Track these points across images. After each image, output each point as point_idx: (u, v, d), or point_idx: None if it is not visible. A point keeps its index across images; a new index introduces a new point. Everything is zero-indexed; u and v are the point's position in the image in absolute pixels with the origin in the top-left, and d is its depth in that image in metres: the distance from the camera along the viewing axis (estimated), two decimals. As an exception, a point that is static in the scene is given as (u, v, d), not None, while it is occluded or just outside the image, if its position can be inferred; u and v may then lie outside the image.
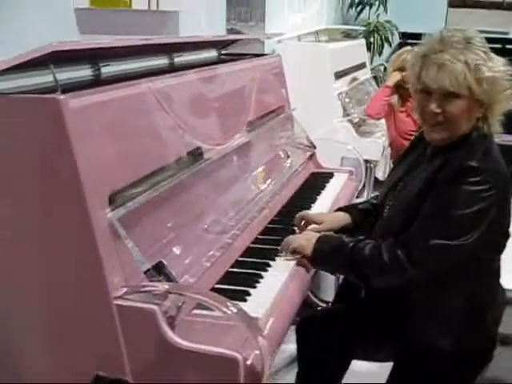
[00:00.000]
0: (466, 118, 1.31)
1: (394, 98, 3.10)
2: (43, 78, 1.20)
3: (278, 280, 1.36)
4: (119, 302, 1.07)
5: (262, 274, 1.39)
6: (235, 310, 1.06)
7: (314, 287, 2.37)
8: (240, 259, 1.47)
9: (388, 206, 1.48)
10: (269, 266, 1.44)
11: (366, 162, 3.47)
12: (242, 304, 1.22)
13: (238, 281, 1.35)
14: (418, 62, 1.32)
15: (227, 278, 1.37)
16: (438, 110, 1.30)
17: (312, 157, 2.35)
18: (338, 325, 1.52)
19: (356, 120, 3.46)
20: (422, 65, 1.31)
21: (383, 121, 3.50)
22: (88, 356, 1.13)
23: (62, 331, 1.14)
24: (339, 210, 1.66)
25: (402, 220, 1.35)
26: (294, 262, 1.46)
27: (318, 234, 1.45)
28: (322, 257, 1.41)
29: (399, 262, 1.27)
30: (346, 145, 2.79)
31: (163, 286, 1.10)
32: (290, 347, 1.75)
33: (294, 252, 1.45)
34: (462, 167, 1.26)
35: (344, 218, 1.60)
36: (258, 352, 1.03)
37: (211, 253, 1.37)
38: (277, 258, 1.49)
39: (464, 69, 1.26)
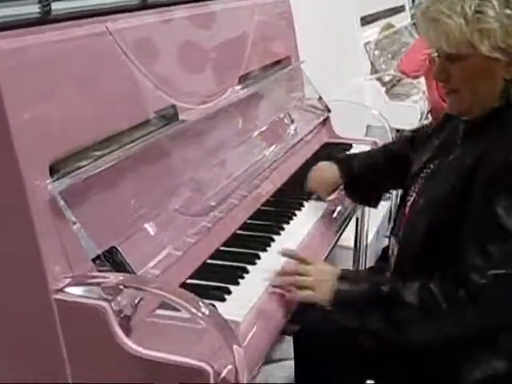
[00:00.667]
0: (485, 84, 1.27)
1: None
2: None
3: (267, 276, 1.37)
4: (60, 296, 1.08)
5: (248, 267, 1.40)
6: (207, 312, 1.06)
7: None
8: (221, 249, 1.48)
9: (411, 198, 1.46)
10: (258, 257, 1.45)
11: (399, 131, 3.47)
12: (218, 304, 1.24)
13: (217, 275, 1.36)
14: (419, 18, 1.30)
15: (203, 271, 1.38)
16: (441, 77, 1.30)
17: (325, 123, 2.35)
18: (349, 337, 1.51)
19: (388, 78, 3.44)
20: (422, 22, 1.29)
21: (423, 80, 3.47)
22: (24, 360, 1.15)
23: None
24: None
25: (426, 225, 1.32)
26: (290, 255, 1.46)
27: (334, 271, 1.36)
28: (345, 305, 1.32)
29: (462, 306, 1.19)
30: (371, 109, 2.79)
31: (116, 278, 1.10)
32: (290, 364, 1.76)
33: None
34: (504, 165, 1.21)
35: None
36: (232, 365, 1.04)
37: (184, 239, 1.38)
38: (268, 249, 1.50)
39: (460, 21, 1.21)
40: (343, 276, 1.34)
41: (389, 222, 3.12)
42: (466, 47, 1.23)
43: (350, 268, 2.45)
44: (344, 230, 1.84)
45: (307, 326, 1.60)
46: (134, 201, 1.31)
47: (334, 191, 1.81)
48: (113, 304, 1.07)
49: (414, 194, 1.45)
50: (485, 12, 1.21)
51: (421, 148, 1.55)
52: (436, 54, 1.34)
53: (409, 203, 1.47)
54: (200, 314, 1.05)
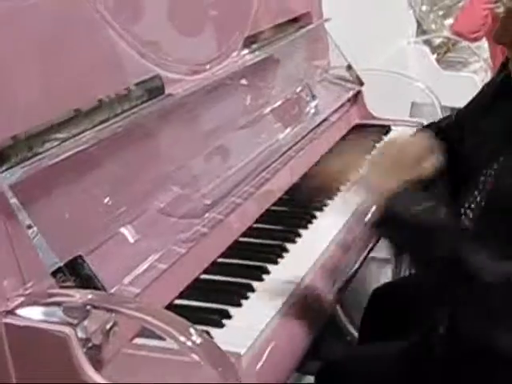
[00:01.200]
0: None
1: (501, 7, 3.07)
2: None
3: (280, 294, 1.38)
4: (10, 319, 1.09)
5: (254, 285, 1.41)
6: (199, 341, 1.07)
7: (345, 299, 2.40)
8: (219, 261, 1.50)
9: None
10: (266, 272, 1.46)
11: (454, 110, 3.47)
12: (215, 331, 1.25)
13: (213, 295, 1.37)
14: None
15: (195, 289, 1.39)
16: (502, 39, 1.31)
17: (357, 99, 2.36)
18: (381, 374, 1.53)
19: (439, 42, 3.45)
20: None
21: (485, 44, 3.47)
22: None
23: None
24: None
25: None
26: (310, 263, 1.49)
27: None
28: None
29: None
30: (417, 82, 2.80)
31: (83, 297, 1.11)
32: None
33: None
34: None
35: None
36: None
37: (171, 248, 1.39)
38: (280, 261, 1.50)
39: None
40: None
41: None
42: None
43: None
44: (380, 237, 1.83)
45: (331, 363, 1.64)
46: (106, 199, 1.33)
47: None
48: (78, 330, 1.08)
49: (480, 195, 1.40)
50: None
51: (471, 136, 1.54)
52: (501, 9, 1.34)
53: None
54: (190, 344, 1.05)
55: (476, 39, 3.34)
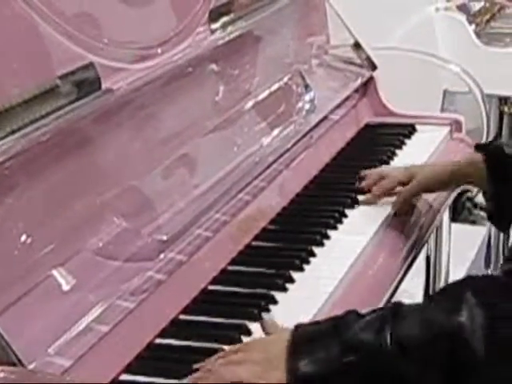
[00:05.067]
0: None
1: None
2: None
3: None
4: None
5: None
6: None
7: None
8: (181, 318, 1.50)
9: None
10: (248, 333, 1.46)
11: (502, 101, 3.50)
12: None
13: (171, 366, 1.38)
14: None
15: (148, 360, 1.39)
16: None
17: (368, 89, 2.39)
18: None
19: (479, 6, 3.47)
20: None
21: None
22: None
23: None
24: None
25: None
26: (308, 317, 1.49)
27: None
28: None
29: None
30: (450, 64, 2.82)
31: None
32: None
33: None
34: None
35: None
36: None
37: (113, 303, 1.39)
38: (266, 316, 1.51)
39: None
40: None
41: (487, 263, 3.16)
42: None
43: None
44: (406, 273, 1.85)
45: None
46: (23, 236, 1.32)
47: None
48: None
49: None
50: None
51: None
52: None
53: None
54: None
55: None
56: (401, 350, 1.34)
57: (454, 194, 2.14)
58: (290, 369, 1.35)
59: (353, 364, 1.34)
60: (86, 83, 1.52)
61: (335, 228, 1.83)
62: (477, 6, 3.49)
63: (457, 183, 2.03)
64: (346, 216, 1.88)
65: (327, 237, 1.80)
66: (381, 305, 1.66)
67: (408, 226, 1.89)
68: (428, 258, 2.41)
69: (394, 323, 1.35)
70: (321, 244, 1.77)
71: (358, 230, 1.82)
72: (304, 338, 1.38)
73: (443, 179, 1.94)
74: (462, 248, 2.79)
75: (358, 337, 1.35)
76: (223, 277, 1.63)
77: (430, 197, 1.98)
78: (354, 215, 1.90)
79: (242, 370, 1.37)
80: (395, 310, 1.39)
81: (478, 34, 3.37)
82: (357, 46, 2.36)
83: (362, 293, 1.64)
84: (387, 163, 2.14)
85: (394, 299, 1.75)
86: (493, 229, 3.29)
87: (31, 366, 1.19)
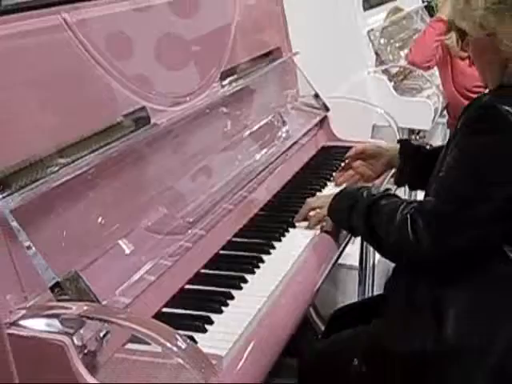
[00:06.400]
0: (486, 60, 1.48)
1: (451, 38, 3.08)
2: None
3: (255, 303, 1.37)
4: (14, 330, 1.08)
5: (233, 293, 1.41)
6: (184, 345, 1.07)
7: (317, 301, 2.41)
8: (202, 272, 1.49)
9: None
10: (244, 281, 1.46)
11: (412, 132, 3.50)
12: (199, 336, 1.25)
13: (197, 303, 1.36)
14: None
15: (180, 298, 1.38)
16: (462, 52, 1.54)
17: (323, 124, 2.37)
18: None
19: (395, 71, 3.46)
20: None
21: (436, 72, 3.50)
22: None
23: None
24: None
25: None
26: (283, 272, 1.49)
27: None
28: (338, 217, 1.67)
29: (412, 227, 1.44)
30: (377, 107, 2.82)
31: (79, 309, 1.10)
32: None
33: (312, 210, 1.72)
34: (474, 113, 1.44)
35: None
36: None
37: (158, 262, 1.38)
38: (257, 271, 1.50)
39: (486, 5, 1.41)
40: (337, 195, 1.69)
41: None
42: (470, 23, 1.45)
43: (356, 291, 2.47)
44: (346, 246, 1.84)
45: (307, 354, 1.71)
46: (99, 219, 1.32)
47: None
48: (75, 338, 1.07)
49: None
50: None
51: None
52: (449, 41, 1.48)
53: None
54: (175, 349, 1.05)
55: (428, 68, 3.36)
56: (368, 221, 1.55)
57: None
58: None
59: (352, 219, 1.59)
60: (140, 120, 1.52)
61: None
62: (394, 70, 3.48)
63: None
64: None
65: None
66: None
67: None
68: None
69: (371, 212, 1.55)
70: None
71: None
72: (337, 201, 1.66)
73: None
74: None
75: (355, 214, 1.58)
76: (229, 245, 1.62)
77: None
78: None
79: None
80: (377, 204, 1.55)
81: (395, 88, 3.36)
82: (316, 96, 2.35)
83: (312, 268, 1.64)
84: (334, 171, 2.12)
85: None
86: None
87: (104, 303, 1.19)
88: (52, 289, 1.13)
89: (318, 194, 1.95)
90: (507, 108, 1.38)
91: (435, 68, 3.46)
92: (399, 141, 2.03)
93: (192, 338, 1.20)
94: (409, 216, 1.45)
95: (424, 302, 1.50)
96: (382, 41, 3.48)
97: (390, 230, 1.49)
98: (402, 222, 1.45)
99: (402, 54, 3.55)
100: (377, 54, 3.43)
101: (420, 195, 1.94)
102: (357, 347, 1.57)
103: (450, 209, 1.44)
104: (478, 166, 1.43)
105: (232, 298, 1.39)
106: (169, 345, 1.05)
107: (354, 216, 1.59)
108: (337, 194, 1.68)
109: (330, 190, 1.97)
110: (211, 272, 1.49)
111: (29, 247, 1.13)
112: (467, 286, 1.47)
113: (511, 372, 1.45)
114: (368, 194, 1.60)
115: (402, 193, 2.59)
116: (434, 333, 1.46)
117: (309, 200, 1.77)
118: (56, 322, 1.09)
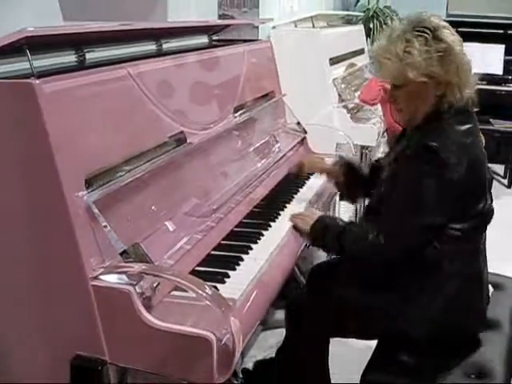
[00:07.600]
0: (421, 102, 1.37)
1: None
2: (22, 65, 1.21)
3: (257, 263, 1.38)
4: (95, 282, 1.08)
5: (243, 256, 1.40)
6: (210, 292, 1.07)
7: (300, 263, 2.39)
8: (222, 242, 1.48)
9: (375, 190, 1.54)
10: (250, 248, 1.46)
11: (363, 147, 3.48)
12: (220, 286, 1.25)
13: (218, 263, 1.36)
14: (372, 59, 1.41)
15: (208, 260, 1.38)
16: (391, 99, 1.41)
17: (303, 142, 2.35)
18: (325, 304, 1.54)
19: (351, 106, 3.43)
20: (374, 62, 1.38)
21: (379, 107, 3.48)
22: (68, 336, 1.14)
23: (43, 313, 1.15)
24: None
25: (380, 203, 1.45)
26: (276, 243, 1.49)
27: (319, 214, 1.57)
28: (317, 235, 1.51)
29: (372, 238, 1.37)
30: (339, 131, 2.80)
31: (139, 267, 1.11)
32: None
33: (295, 228, 1.56)
34: (418, 147, 1.33)
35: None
36: (230, 332, 1.05)
37: (192, 236, 1.37)
38: (259, 241, 1.50)
39: (394, 60, 1.33)
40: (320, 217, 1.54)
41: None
42: (402, 78, 1.35)
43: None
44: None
45: (292, 301, 1.67)
46: (152, 207, 1.32)
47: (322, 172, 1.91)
48: (137, 288, 1.08)
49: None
50: (411, 51, 1.33)
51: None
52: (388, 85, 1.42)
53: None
54: (205, 295, 1.07)
55: (374, 104, 3.35)
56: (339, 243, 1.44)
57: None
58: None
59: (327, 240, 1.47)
60: (179, 140, 1.51)
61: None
62: (351, 106, 3.46)
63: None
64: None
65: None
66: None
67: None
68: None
69: (343, 235, 1.43)
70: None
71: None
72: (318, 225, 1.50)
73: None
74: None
75: (330, 236, 1.46)
76: (240, 224, 1.61)
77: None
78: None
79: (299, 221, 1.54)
80: (349, 228, 1.45)
81: (351, 118, 3.34)
82: (298, 123, 2.33)
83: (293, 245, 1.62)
84: (312, 173, 2.09)
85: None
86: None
87: (156, 263, 1.19)
88: (121, 254, 1.14)
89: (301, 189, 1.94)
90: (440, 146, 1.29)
91: (379, 105, 3.43)
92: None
93: (215, 287, 1.20)
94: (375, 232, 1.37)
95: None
96: (342, 86, 3.45)
97: (361, 243, 1.40)
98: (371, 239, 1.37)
99: (356, 94, 3.52)
100: (339, 94, 3.41)
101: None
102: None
103: (397, 227, 1.37)
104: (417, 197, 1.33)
105: (242, 260, 1.39)
106: (200, 292, 1.07)
107: (329, 236, 1.47)
108: (316, 221, 1.53)
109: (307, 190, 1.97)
110: (228, 242, 1.49)
111: (105, 226, 1.13)
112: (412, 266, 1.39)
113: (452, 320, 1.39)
114: (340, 220, 1.52)
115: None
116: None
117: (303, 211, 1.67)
118: (124, 277, 1.10)
